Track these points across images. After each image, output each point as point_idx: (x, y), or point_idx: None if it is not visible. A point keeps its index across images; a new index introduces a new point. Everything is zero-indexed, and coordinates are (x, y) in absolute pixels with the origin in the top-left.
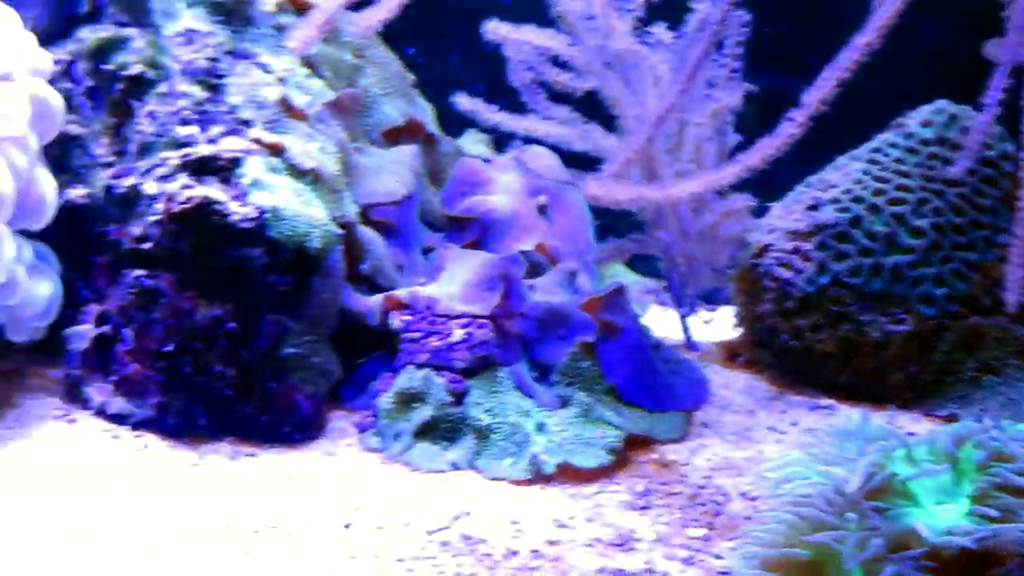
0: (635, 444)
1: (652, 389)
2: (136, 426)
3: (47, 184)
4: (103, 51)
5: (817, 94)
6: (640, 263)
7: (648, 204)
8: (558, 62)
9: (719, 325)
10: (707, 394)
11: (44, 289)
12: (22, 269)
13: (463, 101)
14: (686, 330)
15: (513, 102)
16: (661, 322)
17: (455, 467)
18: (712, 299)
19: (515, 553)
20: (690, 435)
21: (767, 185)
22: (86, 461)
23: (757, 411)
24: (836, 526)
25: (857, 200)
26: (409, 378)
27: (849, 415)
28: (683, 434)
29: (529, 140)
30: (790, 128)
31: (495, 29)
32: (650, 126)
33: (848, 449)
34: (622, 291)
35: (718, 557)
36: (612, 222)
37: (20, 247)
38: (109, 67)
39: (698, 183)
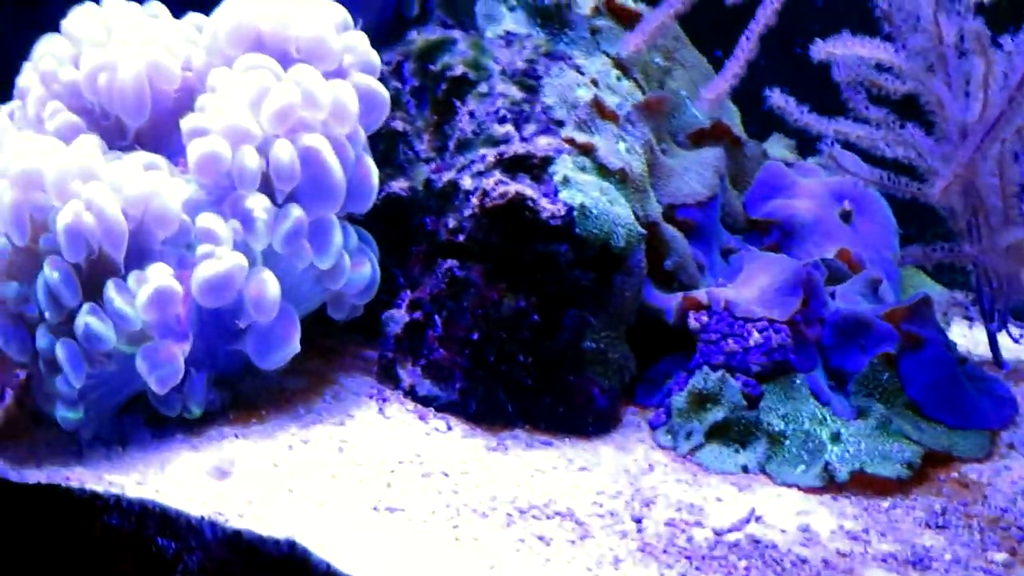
0: (934, 460)
1: (955, 405)
2: (440, 409)
3: (371, 172)
4: (430, 52)
5: None
6: (947, 273)
7: None
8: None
9: None
10: (1015, 414)
11: (364, 272)
12: (347, 256)
13: (775, 97)
14: (995, 346)
15: (820, 106)
16: (968, 337)
17: (745, 470)
18: None
19: (805, 561)
20: (994, 455)
21: None
22: (395, 439)
23: None
24: None
25: None
26: (704, 378)
27: None
28: (987, 454)
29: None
30: None
31: (821, 49)
32: (979, 138)
33: None
34: (928, 302)
35: None
36: (917, 230)
37: (347, 234)
38: (435, 68)
39: None
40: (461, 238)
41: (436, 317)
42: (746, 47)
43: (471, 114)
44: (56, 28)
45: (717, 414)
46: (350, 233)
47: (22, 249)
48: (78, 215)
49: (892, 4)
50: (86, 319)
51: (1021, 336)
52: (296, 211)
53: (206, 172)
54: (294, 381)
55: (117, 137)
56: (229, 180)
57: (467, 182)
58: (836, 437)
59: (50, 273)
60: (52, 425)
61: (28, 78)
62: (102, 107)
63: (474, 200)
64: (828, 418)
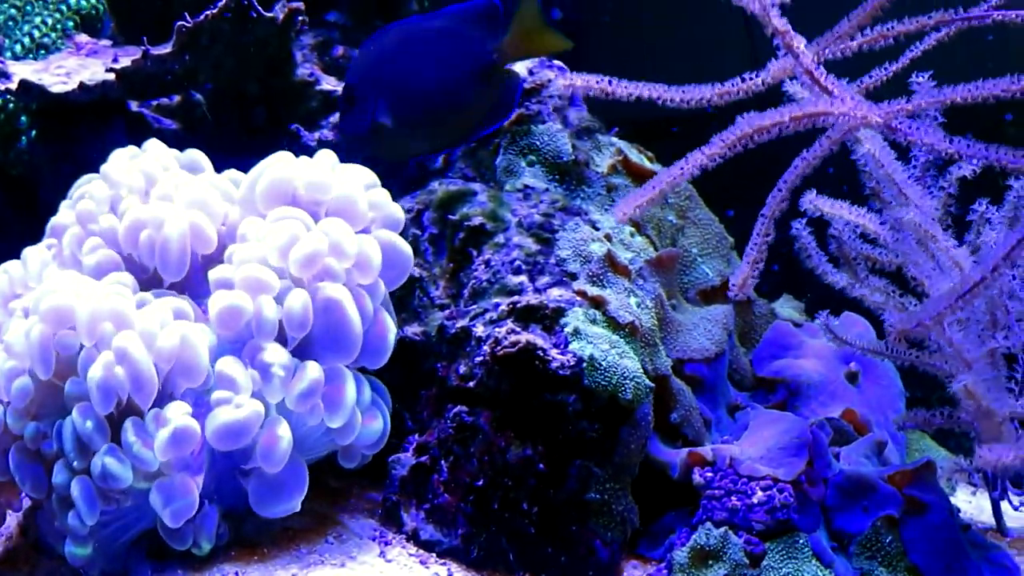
0: None
1: (957, 573)
2: (442, 554)
3: (388, 327)
4: (451, 203)
5: None
6: (953, 439)
7: None
8: (869, 238)
9: None
10: None
11: (375, 427)
12: (359, 413)
13: (800, 232)
14: (998, 514)
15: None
16: (972, 503)
17: None
18: None
19: None
20: None
21: None
22: None
23: None
24: None
25: None
26: (706, 534)
27: None
28: None
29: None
30: None
31: (812, 201)
32: (938, 308)
33: None
34: (931, 467)
35: None
36: (924, 394)
37: (360, 387)
38: (454, 217)
39: None
40: (471, 384)
41: (442, 462)
42: (762, 230)
43: (487, 263)
44: (91, 163)
45: (719, 571)
46: (363, 387)
47: (43, 384)
48: (109, 368)
49: (880, 182)
50: (104, 459)
51: (1021, 504)
52: (312, 371)
53: (227, 325)
54: (297, 520)
55: (152, 286)
56: (249, 330)
57: (480, 330)
58: None
59: (81, 422)
60: (55, 556)
61: (65, 216)
62: (140, 260)
63: (486, 348)
64: None
